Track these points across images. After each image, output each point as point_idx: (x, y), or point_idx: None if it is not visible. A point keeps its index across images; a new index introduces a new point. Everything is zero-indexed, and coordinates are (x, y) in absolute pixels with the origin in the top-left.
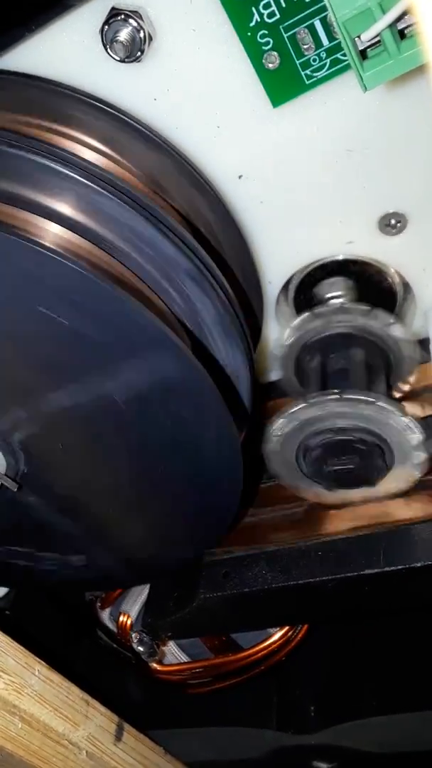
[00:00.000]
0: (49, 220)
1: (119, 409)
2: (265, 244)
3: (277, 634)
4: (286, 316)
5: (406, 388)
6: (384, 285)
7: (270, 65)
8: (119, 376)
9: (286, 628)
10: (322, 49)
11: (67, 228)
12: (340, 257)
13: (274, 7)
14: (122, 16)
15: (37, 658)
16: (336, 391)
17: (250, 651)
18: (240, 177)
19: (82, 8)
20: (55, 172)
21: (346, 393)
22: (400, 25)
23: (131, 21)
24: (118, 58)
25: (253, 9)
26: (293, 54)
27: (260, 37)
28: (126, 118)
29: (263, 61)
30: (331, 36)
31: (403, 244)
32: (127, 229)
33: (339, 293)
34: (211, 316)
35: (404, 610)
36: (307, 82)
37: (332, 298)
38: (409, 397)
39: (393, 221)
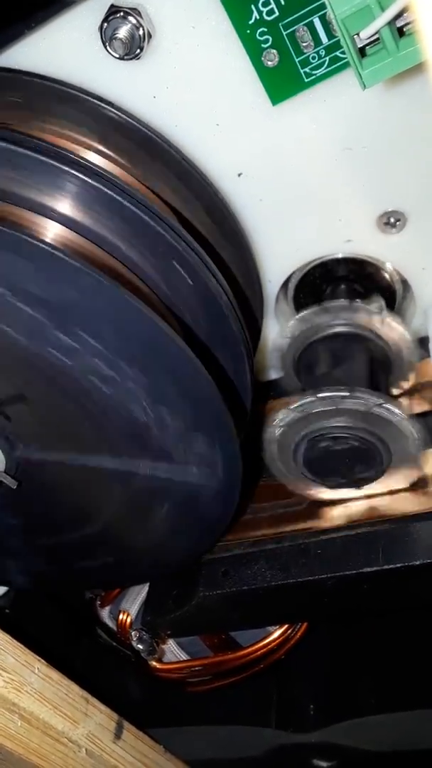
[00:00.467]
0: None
1: (119, 409)
2: (265, 242)
3: (277, 633)
4: (285, 315)
5: (406, 385)
6: (383, 283)
7: (269, 63)
8: (119, 376)
9: (286, 626)
10: (321, 46)
11: (68, 227)
12: (340, 255)
13: (273, 5)
14: (121, 14)
15: (37, 656)
16: (343, 387)
17: (250, 649)
18: (239, 175)
19: (81, 5)
20: (52, 167)
21: (354, 390)
22: (399, 23)
23: (130, 18)
24: (117, 56)
25: (252, 6)
26: (292, 52)
27: (259, 35)
28: (125, 117)
29: (262, 58)
30: (330, 34)
31: (402, 242)
32: (123, 225)
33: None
34: (210, 315)
35: (403, 608)
36: (306, 80)
37: (334, 295)
38: (408, 394)
39: (392, 219)
